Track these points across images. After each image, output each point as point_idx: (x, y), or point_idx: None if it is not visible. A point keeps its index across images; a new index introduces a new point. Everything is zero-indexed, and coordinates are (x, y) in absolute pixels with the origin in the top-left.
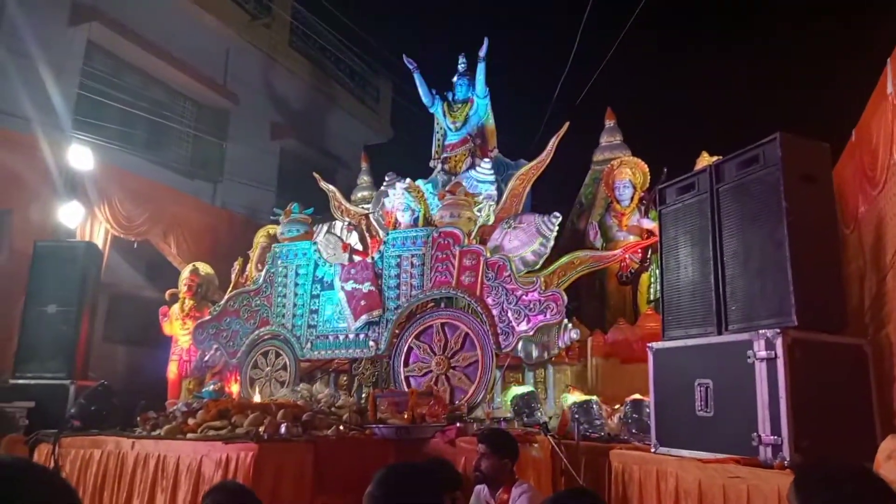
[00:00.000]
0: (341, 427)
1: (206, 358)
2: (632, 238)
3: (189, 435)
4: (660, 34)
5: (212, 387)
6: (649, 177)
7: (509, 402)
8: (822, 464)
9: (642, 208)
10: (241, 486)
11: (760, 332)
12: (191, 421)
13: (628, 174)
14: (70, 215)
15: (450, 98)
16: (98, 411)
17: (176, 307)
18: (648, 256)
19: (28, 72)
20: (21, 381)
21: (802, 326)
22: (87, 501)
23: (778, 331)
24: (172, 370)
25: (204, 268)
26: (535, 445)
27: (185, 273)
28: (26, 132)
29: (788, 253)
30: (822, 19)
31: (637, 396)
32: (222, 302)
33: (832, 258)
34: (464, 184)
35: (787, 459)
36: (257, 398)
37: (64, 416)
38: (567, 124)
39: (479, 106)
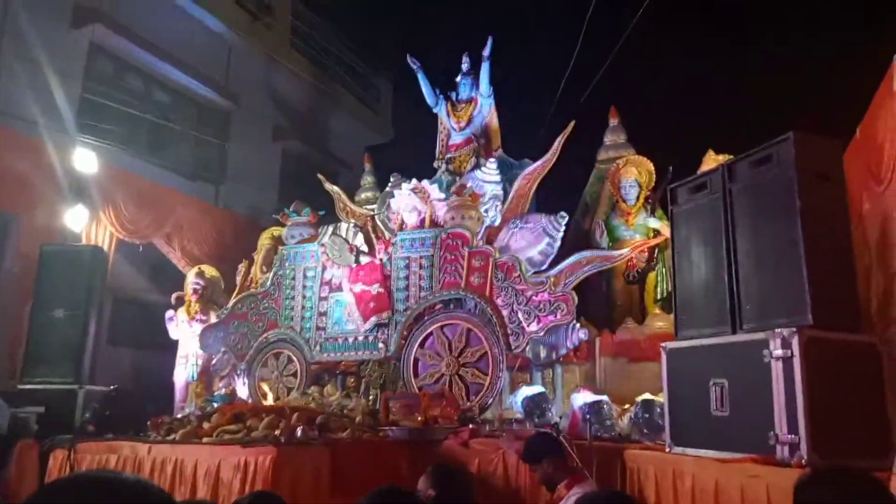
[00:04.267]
0: (354, 430)
1: (214, 361)
2: (638, 237)
3: (205, 439)
4: (662, 34)
5: (223, 390)
6: (655, 176)
7: (520, 403)
8: (826, 470)
9: (648, 207)
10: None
11: (776, 331)
12: (206, 425)
13: (634, 173)
14: (75, 219)
15: (453, 98)
16: (113, 416)
17: (182, 310)
18: (655, 255)
19: (33, 75)
20: (29, 387)
21: (818, 325)
22: None
23: (794, 329)
24: (179, 374)
25: (209, 270)
26: None
27: (191, 276)
28: (32, 135)
29: (803, 252)
30: (824, 19)
31: (647, 396)
32: (230, 305)
33: (846, 257)
34: (469, 184)
35: (805, 458)
36: (270, 401)
37: (73, 421)
38: (572, 123)
39: (483, 105)
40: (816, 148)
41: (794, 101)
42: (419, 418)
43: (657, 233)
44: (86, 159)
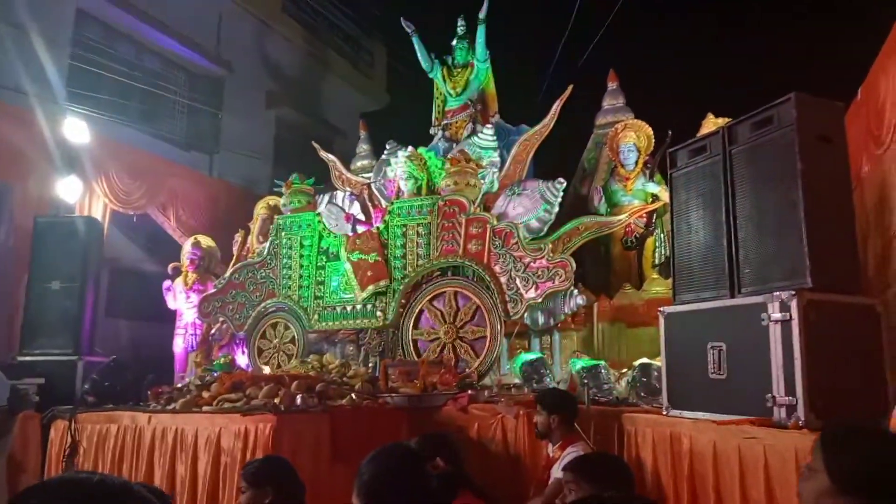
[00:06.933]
0: (354, 396)
1: (213, 331)
2: (636, 202)
3: (205, 408)
4: None
5: (223, 360)
6: (653, 140)
7: (518, 369)
8: (848, 425)
9: (647, 172)
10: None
11: (775, 294)
12: (205, 394)
13: (633, 137)
14: (68, 190)
15: (449, 62)
16: (112, 386)
17: (179, 281)
18: (653, 221)
19: (20, 43)
20: (28, 358)
21: (817, 288)
22: None
23: (793, 292)
24: (178, 344)
25: (206, 241)
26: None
27: (187, 247)
28: (22, 105)
29: (803, 214)
30: None
31: (645, 360)
32: (227, 274)
33: (846, 219)
34: (466, 150)
35: (802, 419)
36: (267, 370)
37: (73, 392)
38: (570, 88)
39: (480, 70)
40: (818, 110)
41: (795, 63)
42: (418, 385)
43: (655, 198)
44: (77, 129)
